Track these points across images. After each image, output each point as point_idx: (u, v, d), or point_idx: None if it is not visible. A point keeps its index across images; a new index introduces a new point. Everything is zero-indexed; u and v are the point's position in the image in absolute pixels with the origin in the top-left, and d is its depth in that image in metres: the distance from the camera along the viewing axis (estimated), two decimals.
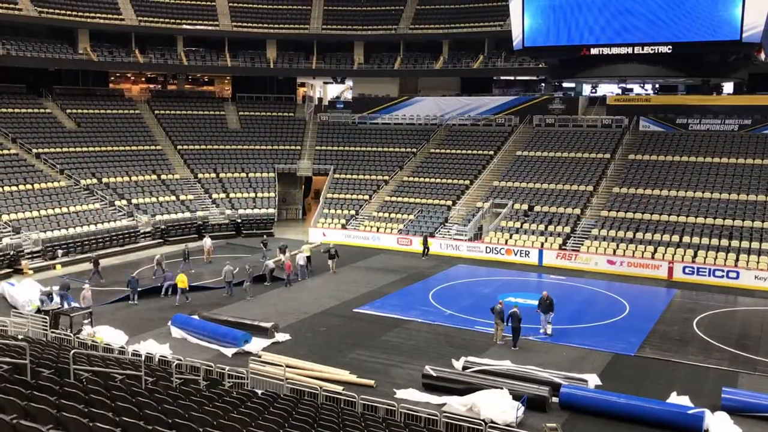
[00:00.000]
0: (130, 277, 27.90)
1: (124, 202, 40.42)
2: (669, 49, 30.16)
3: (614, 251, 33.98)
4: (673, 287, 30.68)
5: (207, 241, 36.00)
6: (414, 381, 19.02)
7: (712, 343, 22.98)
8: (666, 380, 19.58)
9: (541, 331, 23.48)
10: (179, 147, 48.07)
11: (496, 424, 15.08)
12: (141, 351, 19.01)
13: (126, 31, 49.98)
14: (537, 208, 38.87)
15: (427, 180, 44.43)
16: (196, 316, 24.02)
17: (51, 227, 35.52)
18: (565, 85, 52.13)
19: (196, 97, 56.64)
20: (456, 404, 16.85)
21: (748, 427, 16.35)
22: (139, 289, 27.43)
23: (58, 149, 43.13)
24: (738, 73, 32.74)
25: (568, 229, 36.51)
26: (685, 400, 17.38)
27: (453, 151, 46.96)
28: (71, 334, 20.66)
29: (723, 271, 31.34)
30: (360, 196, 44.17)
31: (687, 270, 31.93)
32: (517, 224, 37.63)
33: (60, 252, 34.09)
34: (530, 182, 41.27)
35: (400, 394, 17.79)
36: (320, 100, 62.06)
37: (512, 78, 55.68)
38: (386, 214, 41.45)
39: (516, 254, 35.38)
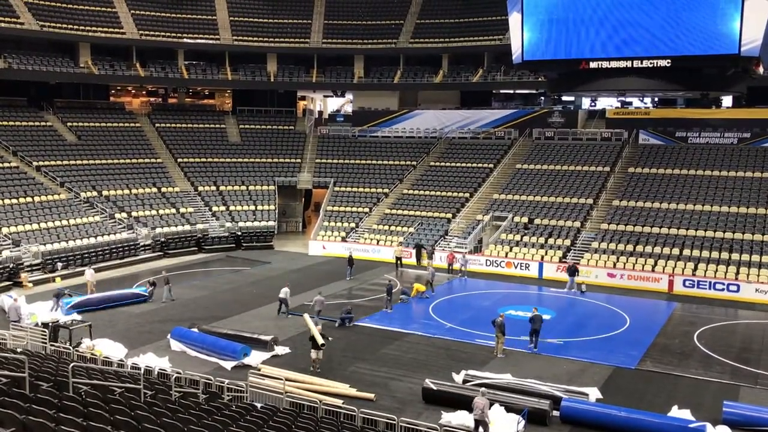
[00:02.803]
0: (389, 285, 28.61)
1: (124, 214, 40.42)
2: (668, 62, 30.24)
3: (614, 264, 33.96)
4: (674, 300, 30.63)
5: (88, 273, 30.26)
6: (414, 394, 18.97)
7: (713, 356, 22.91)
8: (667, 393, 19.51)
9: (569, 288, 31.51)
10: (179, 160, 48.16)
11: None
12: (140, 364, 18.97)
13: (127, 44, 50.22)
14: (537, 221, 38.88)
15: (427, 193, 44.46)
16: (195, 329, 23.98)
17: (51, 240, 35.51)
18: (564, 98, 52.31)
19: (196, 110, 56.84)
20: (455, 422, 16.73)
21: None
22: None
23: (59, 162, 43.20)
24: (737, 87, 32.76)
25: (568, 242, 36.51)
26: (686, 414, 17.32)
27: (453, 164, 47.04)
28: (70, 347, 20.61)
29: (723, 284, 31.30)
30: (360, 209, 44.21)
31: (687, 283, 31.89)
32: (517, 237, 37.62)
33: (60, 265, 34.06)
34: (530, 195, 41.31)
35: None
36: (320, 113, 62.31)
37: (512, 91, 55.90)
38: (386, 227, 41.46)
39: (516, 267, 35.34)
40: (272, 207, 45.52)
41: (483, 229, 39.34)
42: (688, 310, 29.07)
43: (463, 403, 17.93)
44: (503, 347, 22.64)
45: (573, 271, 32.26)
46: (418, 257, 37.00)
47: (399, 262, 36.89)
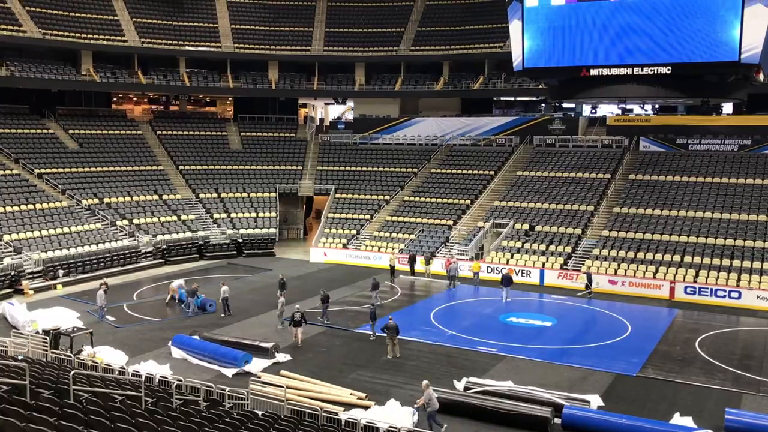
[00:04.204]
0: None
1: (126, 222, 40.46)
2: (668, 69, 30.34)
3: (615, 271, 33.93)
4: (675, 307, 30.58)
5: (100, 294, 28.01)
6: (416, 402, 18.91)
7: (714, 363, 22.87)
8: (669, 401, 19.48)
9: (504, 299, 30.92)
10: (181, 167, 48.24)
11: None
12: (141, 371, 18.93)
13: (129, 52, 50.37)
14: (538, 228, 38.87)
15: (428, 200, 44.50)
16: (196, 337, 23.98)
17: (52, 247, 35.52)
18: (565, 105, 52.34)
19: (198, 118, 56.94)
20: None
21: None
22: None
23: (60, 169, 43.28)
24: (737, 94, 32.86)
25: (569, 249, 36.49)
26: (688, 421, 17.30)
27: (454, 171, 47.08)
28: (71, 355, 20.59)
29: (725, 291, 31.26)
30: (361, 216, 44.22)
31: (689, 290, 31.86)
32: (518, 244, 37.61)
33: (61, 272, 34.08)
34: (531, 202, 41.33)
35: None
36: (321, 120, 62.36)
37: (512, 99, 55.96)
38: (387, 234, 41.46)
39: (517, 274, 35.22)
40: (273, 214, 45.55)
41: (484, 236, 39.34)
42: (689, 317, 29.02)
43: (464, 410, 17.98)
44: (396, 349, 23.11)
45: (508, 280, 31.29)
46: (412, 267, 36.89)
47: (393, 269, 36.89)
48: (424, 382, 17.59)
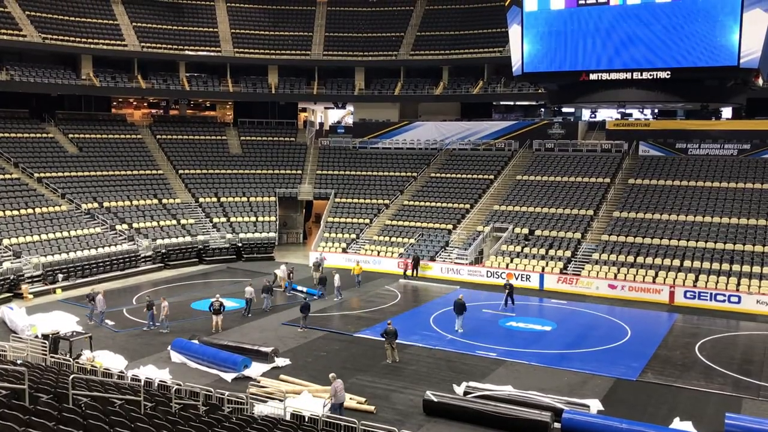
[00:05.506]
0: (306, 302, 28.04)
1: (125, 226, 40.44)
2: (668, 74, 30.36)
3: (615, 275, 33.93)
4: (675, 312, 30.58)
5: (282, 269, 35.21)
6: (415, 406, 18.91)
7: (714, 368, 22.85)
8: (669, 405, 19.46)
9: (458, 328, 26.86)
10: (180, 171, 48.25)
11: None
12: (140, 376, 18.93)
13: (128, 56, 50.46)
14: (537, 232, 38.87)
15: (427, 204, 44.50)
16: (195, 341, 23.95)
17: (52, 251, 35.51)
18: (564, 110, 52.45)
19: (197, 122, 57.00)
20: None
21: None
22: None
23: (60, 174, 43.28)
24: (736, 98, 32.87)
25: (568, 254, 36.49)
26: (688, 426, 17.28)
27: (453, 176, 47.11)
28: (70, 359, 20.57)
29: (724, 295, 31.25)
30: (361, 220, 44.23)
31: (688, 294, 31.85)
32: (518, 248, 37.60)
33: (60, 276, 34.05)
34: (530, 206, 41.34)
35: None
36: (321, 125, 62.48)
37: (512, 103, 56.06)
38: (387, 238, 41.47)
39: (517, 278, 35.26)
40: (273, 218, 45.55)
41: (484, 240, 39.34)
42: (689, 322, 29.02)
43: (464, 414, 17.95)
44: (394, 355, 23.02)
45: (461, 308, 26.80)
46: (416, 269, 36.93)
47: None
48: (331, 375, 18.53)
